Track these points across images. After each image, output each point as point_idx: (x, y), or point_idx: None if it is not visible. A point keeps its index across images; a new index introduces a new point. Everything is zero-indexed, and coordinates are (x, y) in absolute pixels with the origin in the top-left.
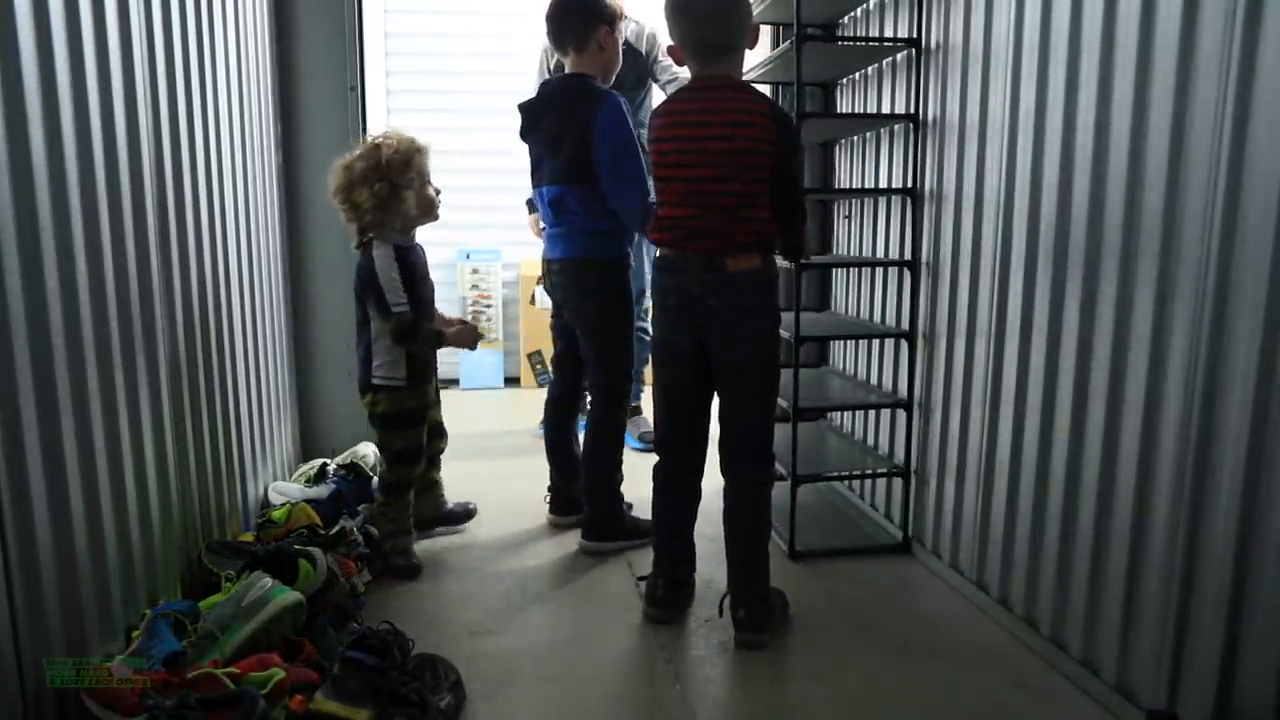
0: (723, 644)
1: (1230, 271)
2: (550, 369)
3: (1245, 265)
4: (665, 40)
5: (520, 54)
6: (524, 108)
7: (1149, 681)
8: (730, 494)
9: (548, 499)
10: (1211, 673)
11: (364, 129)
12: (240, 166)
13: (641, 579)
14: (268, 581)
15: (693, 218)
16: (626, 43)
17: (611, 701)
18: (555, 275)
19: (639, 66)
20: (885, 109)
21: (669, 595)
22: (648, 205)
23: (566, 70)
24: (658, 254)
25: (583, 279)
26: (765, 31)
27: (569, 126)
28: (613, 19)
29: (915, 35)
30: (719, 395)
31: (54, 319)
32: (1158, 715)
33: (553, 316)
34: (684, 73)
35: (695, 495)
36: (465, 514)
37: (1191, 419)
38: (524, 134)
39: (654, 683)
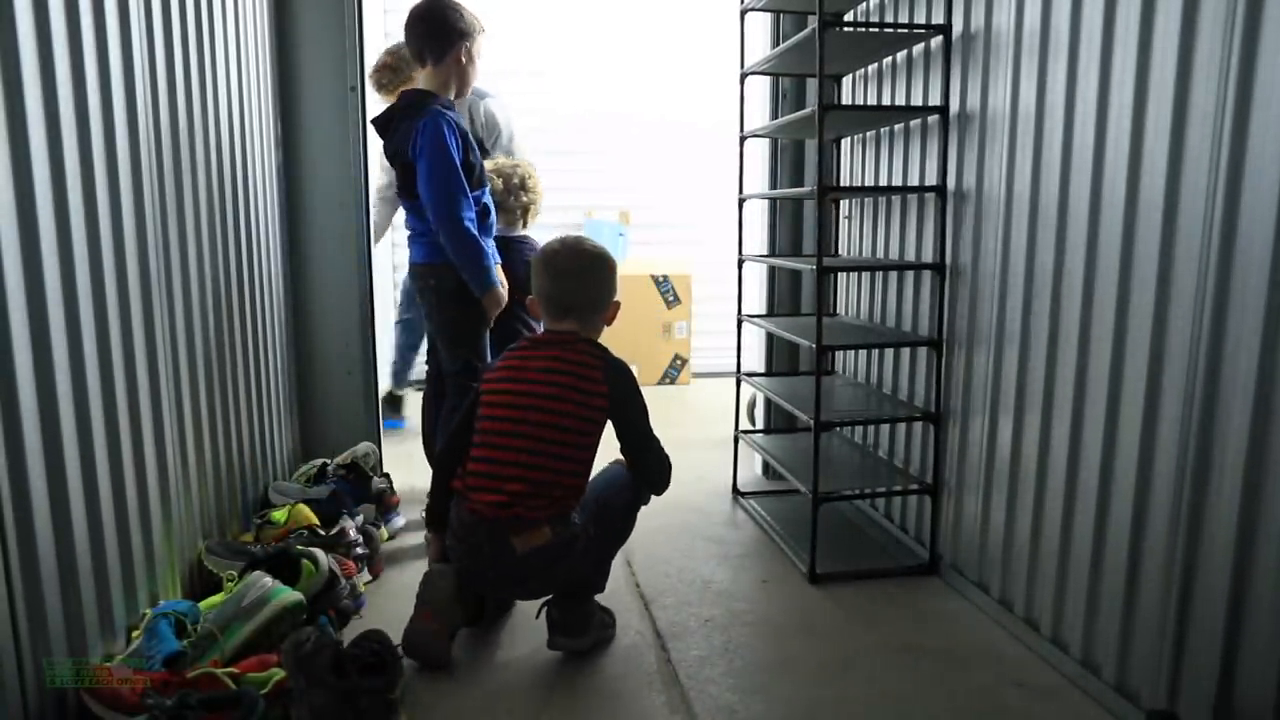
0: (724, 644)
1: None
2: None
3: None
4: (514, 130)
5: (519, 55)
6: (377, 123)
7: (1149, 681)
8: None
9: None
10: (1211, 673)
11: (364, 129)
12: (240, 166)
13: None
14: (268, 581)
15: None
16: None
17: (611, 701)
18: (413, 279)
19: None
20: (898, 101)
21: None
22: (456, 220)
23: (421, 84)
24: None
25: (428, 283)
26: (767, 22)
27: (405, 143)
28: (473, 36)
29: (945, 21)
30: None
31: (54, 319)
32: (1158, 715)
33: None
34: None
35: None
36: None
37: (1191, 419)
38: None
39: (654, 683)
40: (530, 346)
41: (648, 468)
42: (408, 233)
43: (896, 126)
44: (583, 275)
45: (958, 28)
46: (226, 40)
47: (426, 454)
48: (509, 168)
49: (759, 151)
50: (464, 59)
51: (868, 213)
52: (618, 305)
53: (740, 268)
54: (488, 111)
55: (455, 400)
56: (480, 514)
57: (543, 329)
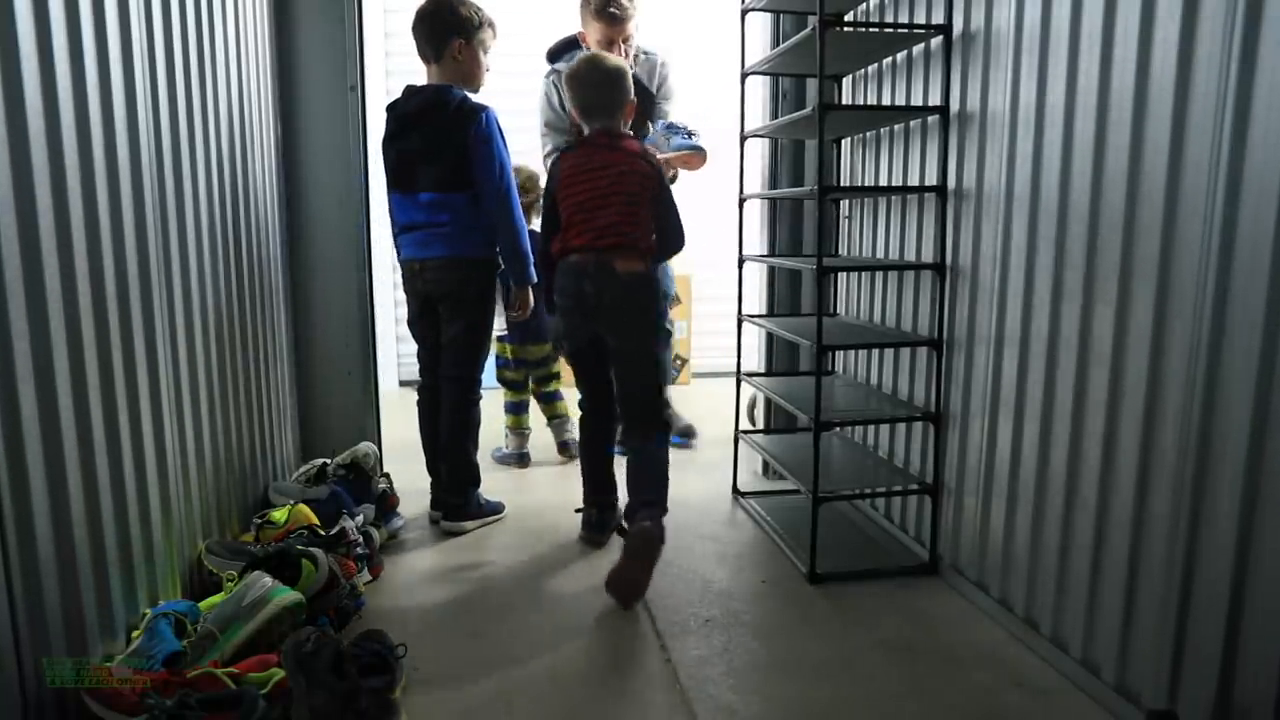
0: (724, 644)
1: None
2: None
3: None
4: (673, 74)
5: (520, 55)
6: (398, 116)
7: (1149, 681)
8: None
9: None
10: (1212, 672)
11: (364, 129)
12: (240, 167)
13: (578, 510)
14: (268, 581)
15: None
16: (636, 79)
17: (611, 701)
18: (433, 272)
19: (643, 103)
20: (898, 101)
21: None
22: (516, 205)
23: (430, 80)
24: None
25: (470, 275)
26: (766, 23)
27: (449, 137)
28: (469, 32)
29: (945, 21)
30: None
31: (54, 319)
32: (1158, 715)
33: (418, 319)
34: (670, 110)
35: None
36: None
37: (1191, 418)
38: (393, 139)
39: (654, 683)
40: (588, 142)
41: (670, 231)
42: (429, 229)
43: (896, 126)
44: (604, 85)
45: (958, 28)
46: (226, 40)
47: (428, 464)
48: (527, 169)
49: (759, 151)
50: (459, 55)
51: (868, 213)
52: (633, 104)
53: (740, 267)
54: (662, 66)
55: (461, 399)
56: (587, 252)
57: (585, 130)
